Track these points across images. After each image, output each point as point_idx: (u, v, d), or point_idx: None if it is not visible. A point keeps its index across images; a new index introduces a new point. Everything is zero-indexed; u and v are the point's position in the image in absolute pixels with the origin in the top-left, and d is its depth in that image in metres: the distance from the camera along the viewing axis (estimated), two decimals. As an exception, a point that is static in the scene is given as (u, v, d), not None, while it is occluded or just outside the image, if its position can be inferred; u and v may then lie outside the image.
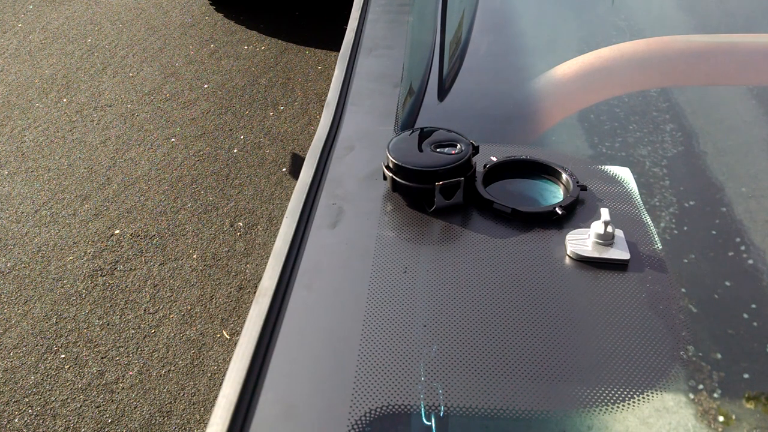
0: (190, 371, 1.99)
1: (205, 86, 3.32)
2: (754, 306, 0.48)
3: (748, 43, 0.80)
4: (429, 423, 0.38)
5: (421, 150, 0.56)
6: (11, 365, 2.00)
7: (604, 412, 0.39)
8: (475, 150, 0.57)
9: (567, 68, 0.75)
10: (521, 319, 0.44)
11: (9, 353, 2.04)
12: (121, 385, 1.95)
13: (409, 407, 0.38)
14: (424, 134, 0.57)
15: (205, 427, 1.82)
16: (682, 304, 0.47)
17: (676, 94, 0.78)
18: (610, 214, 0.50)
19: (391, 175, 0.56)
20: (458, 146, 0.56)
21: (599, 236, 0.50)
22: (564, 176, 0.56)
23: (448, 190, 0.54)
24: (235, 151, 2.88)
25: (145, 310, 2.17)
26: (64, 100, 3.22)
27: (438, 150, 0.55)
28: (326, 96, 0.86)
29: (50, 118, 3.08)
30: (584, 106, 0.76)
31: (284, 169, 2.79)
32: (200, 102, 3.20)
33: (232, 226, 2.49)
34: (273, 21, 3.95)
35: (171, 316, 2.16)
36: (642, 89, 0.78)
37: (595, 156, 0.66)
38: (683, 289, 0.49)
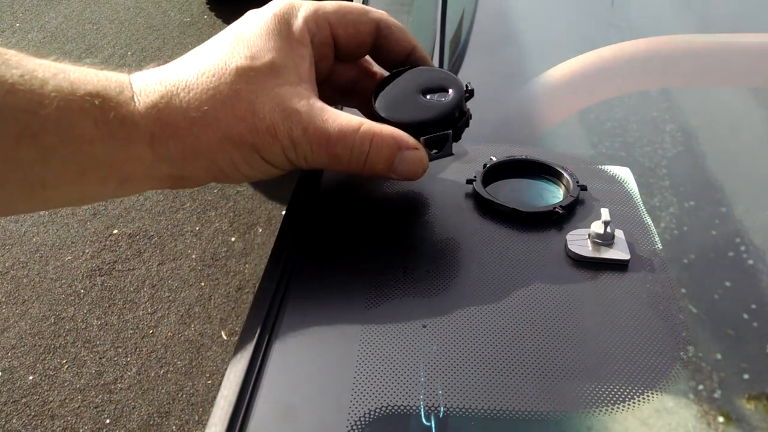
0: (189, 372, 1.99)
1: (204, 86, 3.32)
2: (754, 306, 0.48)
3: (748, 43, 0.80)
4: (428, 424, 0.38)
5: (408, 97, 0.51)
6: (9, 365, 2.00)
7: (604, 413, 0.39)
8: (469, 93, 0.52)
9: (567, 68, 0.75)
10: (520, 319, 0.44)
11: (7, 353, 2.03)
12: (119, 385, 1.95)
13: (408, 408, 0.38)
14: (412, 76, 0.54)
15: (203, 427, 1.82)
16: (682, 305, 0.47)
17: (676, 94, 0.78)
18: (610, 214, 0.50)
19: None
20: (449, 91, 0.52)
21: (599, 236, 0.49)
22: (564, 176, 0.56)
23: (435, 144, 0.51)
24: (234, 151, 2.88)
25: (143, 310, 2.17)
26: (63, 99, 3.21)
27: (427, 96, 0.52)
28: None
29: (49, 118, 3.08)
30: (584, 106, 0.76)
31: (283, 169, 2.79)
32: (199, 102, 3.19)
33: (231, 226, 2.49)
34: (272, 21, 3.95)
35: (169, 316, 2.15)
36: (642, 89, 0.78)
37: (595, 156, 0.66)
38: (683, 290, 0.49)
